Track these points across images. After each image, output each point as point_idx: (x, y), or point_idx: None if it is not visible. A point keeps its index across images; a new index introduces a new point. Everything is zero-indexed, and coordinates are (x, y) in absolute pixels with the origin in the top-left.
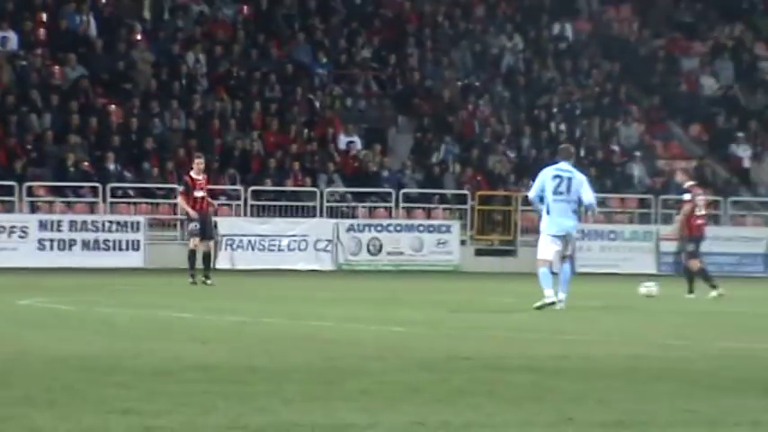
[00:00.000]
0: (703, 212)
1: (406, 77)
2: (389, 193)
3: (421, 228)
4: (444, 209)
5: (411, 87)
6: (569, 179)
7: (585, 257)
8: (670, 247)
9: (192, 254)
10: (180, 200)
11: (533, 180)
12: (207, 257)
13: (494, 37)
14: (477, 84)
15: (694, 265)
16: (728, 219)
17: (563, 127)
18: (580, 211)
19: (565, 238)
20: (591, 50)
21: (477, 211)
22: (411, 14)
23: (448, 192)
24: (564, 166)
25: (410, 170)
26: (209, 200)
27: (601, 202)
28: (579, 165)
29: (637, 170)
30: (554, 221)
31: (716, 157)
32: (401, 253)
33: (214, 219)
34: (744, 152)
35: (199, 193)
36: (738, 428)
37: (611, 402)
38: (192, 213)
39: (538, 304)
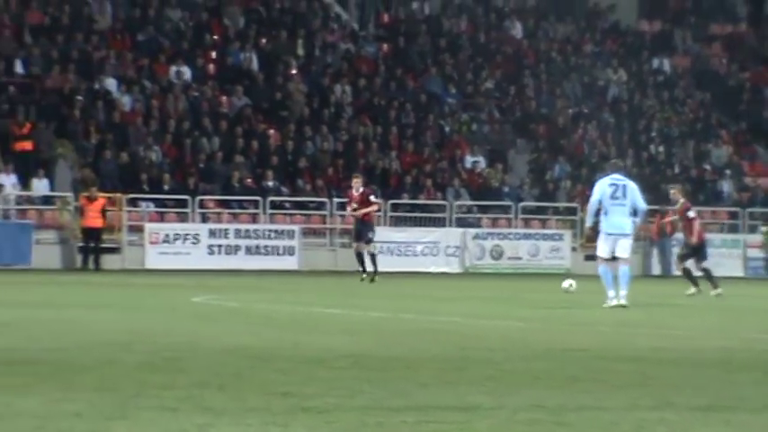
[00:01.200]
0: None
1: (524, 105)
2: (510, 206)
3: (537, 236)
4: (557, 220)
5: (528, 114)
6: (624, 186)
7: None
8: (756, 253)
9: (358, 255)
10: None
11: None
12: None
13: (601, 70)
14: (586, 111)
15: (680, 266)
16: None
17: (661, 149)
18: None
19: (620, 240)
20: (686, 82)
21: None
22: (528, 51)
23: (561, 205)
24: (617, 176)
25: (528, 186)
26: (366, 209)
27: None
28: (674, 181)
29: (726, 186)
30: (610, 222)
31: None
32: (520, 258)
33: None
34: None
35: (354, 206)
36: None
37: (704, 388)
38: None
39: (605, 305)
